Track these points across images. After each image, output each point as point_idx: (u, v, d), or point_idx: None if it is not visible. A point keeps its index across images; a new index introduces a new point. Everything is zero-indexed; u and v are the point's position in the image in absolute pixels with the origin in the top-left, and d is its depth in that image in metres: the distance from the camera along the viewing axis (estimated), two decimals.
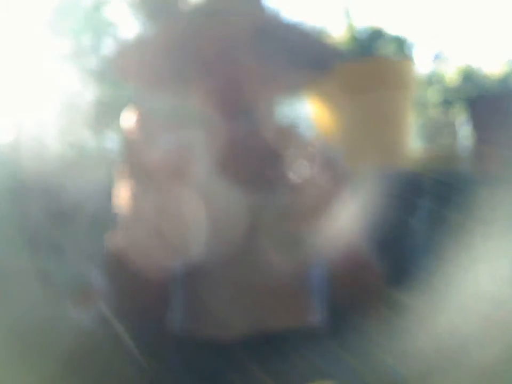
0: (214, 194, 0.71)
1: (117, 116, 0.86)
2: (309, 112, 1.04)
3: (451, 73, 1.36)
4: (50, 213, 0.79)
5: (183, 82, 0.74)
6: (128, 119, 0.66)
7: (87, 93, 0.82)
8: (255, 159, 0.75)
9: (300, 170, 0.72)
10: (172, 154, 0.68)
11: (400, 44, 1.13)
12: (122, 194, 0.67)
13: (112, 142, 0.89)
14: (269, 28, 0.76)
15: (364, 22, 1.13)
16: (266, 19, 0.78)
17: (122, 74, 0.76)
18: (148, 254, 0.65)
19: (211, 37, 0.73)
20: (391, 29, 1.13)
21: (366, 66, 1.07)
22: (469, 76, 1.35)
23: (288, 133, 0.76)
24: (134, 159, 0.66)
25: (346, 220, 0.71)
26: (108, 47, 0.88)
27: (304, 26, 0.79)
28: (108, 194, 0.78)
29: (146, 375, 0.69)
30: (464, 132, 1.25)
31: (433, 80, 1.35)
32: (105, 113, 0.87)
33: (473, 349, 0.71)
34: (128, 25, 0.83)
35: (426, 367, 0.71)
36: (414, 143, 1.18)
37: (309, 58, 0.78)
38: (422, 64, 1.22)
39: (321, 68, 0.80)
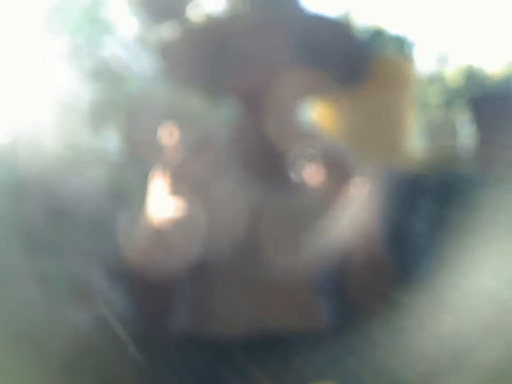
0: (219, 193, 0.71)
1: (115, 116, 0.85)
2: (310, 111, 1.04)
3: (452, 73, 1.36)
4: (48, 213, 0.79)
5: (219, 80, 0.74)
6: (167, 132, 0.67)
7: (85, 93, 0.82)
8: (274, 157, 0.75)
9: (311, 170, 0.71)
10: (195, 155, 0.68)
11: (401, 43, 1.12)
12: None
13: (110, 141, 0.89)
14: (309, 29, 0.76)
15: (365, 21, 1.13)
16: (307, 21, 0.77)
17: (169, 66, 0.77)
18: (153, 255, 0.66)
19: (248, 35, 0.73)
20: (392, 29, 1.13)
21: None
22: (470, 76, 1.35)
23: (303, 134, 0.77)
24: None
25: (357, 219, 0.71)
26: (106, 46, 0.88)
27: (345, 29, 0.79)
28: (106, 194, 0.78)
29: (145, 375, 0.69)
30: (466, 132, 1.25)
31: (434, 80, 1.35)
32: (103, 113, 0.86)
33: (475, 350, 0.71)
34: (127, 24, 0.83)
35: (429, 368, 0.70)
36: (415, 143, 1.17)
37: (345, 64, 0.78)
38: (423, 64, 1.22)
39: (356, 75, 0.80)
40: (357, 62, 0.80)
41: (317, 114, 1.06)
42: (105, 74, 0.86)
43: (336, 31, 0.79)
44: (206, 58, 0.74)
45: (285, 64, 0.74)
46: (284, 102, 0.75)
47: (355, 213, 0.71)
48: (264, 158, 0.76)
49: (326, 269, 0.76)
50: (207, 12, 0.76)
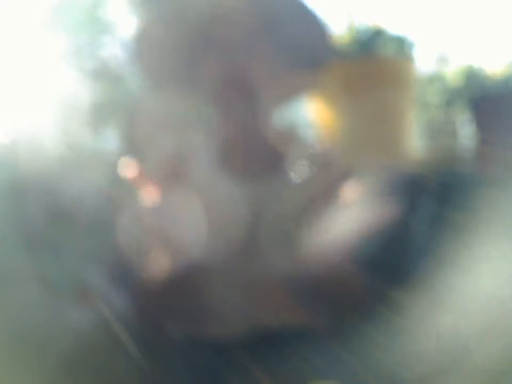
0: (216, 193, 0.71)
1: (115, 116, 0.85)
2: (309, 111, 1.04)
3: (452, 73, 1.36)
4: (48, 214, 0.79)
5: (192, 74, 0.74)
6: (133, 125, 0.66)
7: (85, 93, 0.82)
8: (258, 155, 0.75)
9: (299, 170, 0.72)
10: (173, 156, 0.68)
11: (401, 43, 1.12)
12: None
13: (110, 141, 0.89)
14: (280, 19, 0.75)
15: (364, 21, 1.13)
16: (277, 11, 0.77)
17: (140, 63, 0.76)
18: (151, 255, 0.66)
19: (222, 27, 0.73)
20: (392, 29, 1.13)
21: (366, 66, 1.07)
22: (470, 76, 1.34)
23: (289, 133, 0.77)
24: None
25: (343, 224, 0.71)
26: (106, 46, 0.88)
27: (314, 21, 0.79)
28: (106, 195, 0.78)
29: (146, 376, 0.69)
30: (466, 132, 1.25)
31: (434, 80, 1.34)
32: (103, 113, 0.86)
33: (474, 350, 0.71)
34: (127, 23, 0.83)
35: (428, 368, 0.70)
36: (414, 144, 1.17)
37: (312, 55, 0.78)
38: (423, 64, 1.22)
39: (318, 65, 0.80)
40: (320, 49, 0.79)
41: (315, 114, 1.06)
42: (105, 74, 0.86)
43: (303, 17, 0.79)
44: (182, 48, 0.74)
45: (268, 61, 0.74)
46: (269, 98, 0.75)
47: (349, 216, 0.71)
48: (259, 157, 0.76)
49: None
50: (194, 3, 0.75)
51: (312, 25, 0.78)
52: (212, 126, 0.75)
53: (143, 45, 0.75)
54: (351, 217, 0.73)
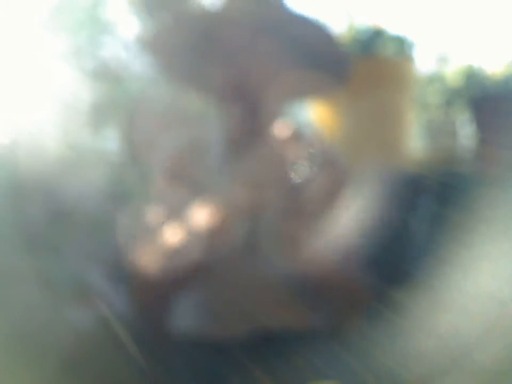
0: (217, 193, 0.71)
1: (115, 116, 0.85)
2: (308, 111, 1.04)
3: (452, 73, 1.35)
4: (49, 214, 0.79)
5: (197, 75, 0.74)
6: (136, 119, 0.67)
7: (85, 93, 0.82)
8: (260, 155, 0.75)
9: (301, 170, 0.72)
10: (175, 156, 0.68)
11: (401, 43, 1.12)
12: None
13: (110, 142, 0.89)
14: (286, 24, 0.76)
15: (364, 21, 1.13)
16: (284, 15, 0.78)
17: (156, 58, 0.76)
18: (154, 255, 0.66)
19: (229, 30, 0.73)
20: (392, 29, 1.13)
21: (366, 66, 1.07)
22: (470, 76, 1.34)
23: (291, 134, 0.77)
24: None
25: (343, 225, 0.71)
26: (106, 46, 0.88)
27: (324, 27, 0.79)
28: (106, 195, 0.78)
29: (146, 376, 0.69)
30: (466, 132, 1.25)
31: (434, 80, 1.34)
32: (103, 113, 0.86)
33: (474, 350, 0.71)
34: (127, 23, 0.83)
35: (428, 368, 0.70)
36: (414, 144, 1.17)
37: (324, 61, 0.78)
38: (423, 64, 1.22)
39: (335, 73, 0.80)
40: (337, 63, 0.80)
41: (315, 113, 1.06)
42: (106, 75, 0.86)
43: (318, 31, 0.79)
44: (187, 49, 0.74)
45: (273, 63, 0.74)
46: (274, 100, 0.75)
47: (345, 216, 0.71)
48: (261, 157, 0.76)
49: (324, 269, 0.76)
50: (199, 5, 0.76)
51: (318, 26, 0.79)
52: (215, 126, 0.75)
53: (148, 47, 0.76)
54: (351, 217, 0.73)
